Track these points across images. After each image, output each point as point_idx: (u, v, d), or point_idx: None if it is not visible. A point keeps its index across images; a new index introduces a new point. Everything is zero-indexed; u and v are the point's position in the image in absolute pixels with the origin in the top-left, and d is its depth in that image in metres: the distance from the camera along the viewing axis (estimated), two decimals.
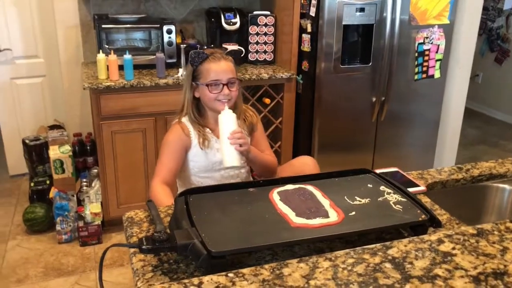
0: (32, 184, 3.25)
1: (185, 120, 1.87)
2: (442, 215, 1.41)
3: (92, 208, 2.97)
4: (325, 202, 1.29)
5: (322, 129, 3.11)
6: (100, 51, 2.85)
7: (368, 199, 1.32)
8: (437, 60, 3.17)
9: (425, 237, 0.99)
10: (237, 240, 1.12)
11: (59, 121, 3.62)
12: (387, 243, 0.97)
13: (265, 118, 3.23)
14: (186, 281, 0.91)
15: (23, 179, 3.77)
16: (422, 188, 1.56)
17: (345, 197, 1.33)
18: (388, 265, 0.90)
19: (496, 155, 4.58)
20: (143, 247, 1.07)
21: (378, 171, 1.67)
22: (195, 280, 0.91)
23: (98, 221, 2.96)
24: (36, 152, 3.33)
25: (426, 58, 3.13)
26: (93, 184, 3.07)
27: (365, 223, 1.20)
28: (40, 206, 3.08)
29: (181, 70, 2.98)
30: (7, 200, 3.52)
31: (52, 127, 3.55)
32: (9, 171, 3.82)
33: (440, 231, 1.15)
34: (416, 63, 3.11)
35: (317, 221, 1.19)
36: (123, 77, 2.82)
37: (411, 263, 0.90)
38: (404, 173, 1.67)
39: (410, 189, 1.53)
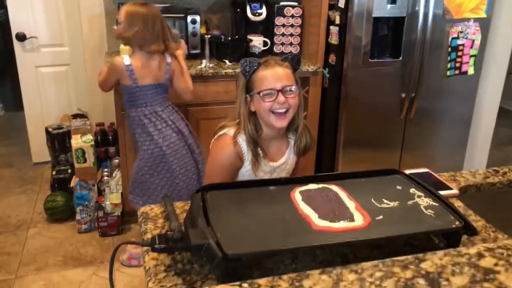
0: (54, 173, 3.25)
1: (240, 139, 1.67)
2: (477, 221, 1.31)
3: (112, 199, 2.94)
4: (351, 204, 1.21)
5: (348, 125, 3.01)
6: None
7: (397, 202, 1.23)
8: (471, 56, 3.03)
9: (463, 249, 0.90)
10: (254, 242, 1.05)
11: (83, 110, 3.62)
12: (420, 255, 0.89)
13: None
14: None
15: (45, 167, 3.78)
16: (454, 191, 1.46)
17: (372, 199, 1.24)
18: (421, 281, 0.81)
19: None
20: (156, 246, 1.02)
21: (407, 171, 1.58)
22: None
23: (118, 212, 2.94)
24: (58, 140, 3.33)
25: (459, 53, 2.99)
26: (114, 175, 3.04)
27: (393, 228, 1.11)
28: (61, 194, 3.08)
29: (204, 61, 2.92)
30: (30, 188, 3.54)
31: (75, 116, 3.54)
32: (32, 158, 3.84)
33: (477, 242, 1.06)
34: (449, 58, 2.98)
35: (342, 225, 1.11)
36: None
37: (447, 279, 0.81)
38: (435, 174, 1.57)
39: (442, 192, 1.43)
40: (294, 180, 1.35)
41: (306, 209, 1.18)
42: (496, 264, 0.85)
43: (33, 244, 2.87)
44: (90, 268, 2.68)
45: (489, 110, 3.40)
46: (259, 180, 1.35)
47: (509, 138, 4.74)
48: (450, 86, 3.08)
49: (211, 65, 2.92)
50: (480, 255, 0.88)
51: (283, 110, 1.61)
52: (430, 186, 1.45)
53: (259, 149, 1.67)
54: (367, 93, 2.96)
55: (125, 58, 2.34)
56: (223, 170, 1.68)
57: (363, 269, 0.84)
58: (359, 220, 1.14)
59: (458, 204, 1.40)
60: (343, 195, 1.26)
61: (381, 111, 3.02)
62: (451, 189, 1.47)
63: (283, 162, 1.74)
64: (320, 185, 1.31)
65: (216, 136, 1.74)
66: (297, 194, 1.25)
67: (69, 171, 3.26)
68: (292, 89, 1.62)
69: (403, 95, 2.97)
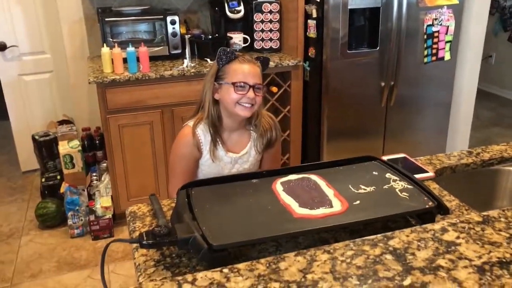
0: (43, 180, 3.27)
1: (199, 129, 1.73)
2: (451, 201, 1.37)
3: (103, 202, 2.98)
4: (329, 192, 1.27)
5: (330, 116, 3.07)
6: (104, 44, 2.84)
7: (373, 187, 1.29)
8: (447, 42, 3.10)
9: (428, 226, 0.96)
10: (238, 233, 1.10)
11: (68, 116, 3.63)
12: (389, 233, 0.95)
13: (273, 107, 3.20)
14: (179, 278, 0.89)
15: (34, 174, 3.80)
16: (430, 174, 1.52)
17: (350, 185, 1.30)
18: (388, 256, 0.87)
19: (510, 138, 4.49)
20: (144, 242, 1.06)
21: (385, 157, 1.64)
22: (189, 277, 0.90)
23: (109, 215, 2.97)
24: (46, 147, 3.35)
25: (435, 40, 3.06)
26: (102, 178, 3.08)
27: (369, 212, 1.17)
28: (52, 201, 3.10)
29: (186, 61, 2.96)
30: (20, 196, 3.55)
31: (62, 122, 3.56)
32: (21, 167, 3.86)
33: (446, 219, 1.12)
34: (425, 45, 3.05)
35: (320, 211, 1.17)
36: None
37: (413, 254, 0.87)
38: (412, 159, 1.63)
39: (418, 176, 1.49)
40: (275, 172, 1.40)
41: (287, 199, 1.23)
42: (458, 237, 0.92)
43: (26, 251, 2.89)
44: (84, 271, 2.71)
45: (468, 93, 3.47)
46: (242, 174, 1.40)
47: (489, 120, 4.84)
48: (428, 73, 3.15)
49: (192, 65, 2.95)
50: (443, 230, 0.94)
51: (248, 105, 1.68)
52: (406, 170, 1.51)
53: (218, 138, 1.74)
54: (347, 84, 3.02)
55: None
56: (182, 160, 1.75)
57: (335, 249, 0.90)
58: (337, 206, 1.20)
59: (433, 186, 1.46)
60: (322, 183, 1.31)
61: (362, 101, 3.08)
62: (427, 172, 1.53)
63: (244, 153, 1.79)
64: (301, 175, 1.36)
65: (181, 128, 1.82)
66: (278, 185, 1.31)
67: (58, 177, 3.29)
68: (260, 88, 1.70)
69: (383, 83, 3.04)
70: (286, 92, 3.18)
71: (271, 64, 3.00)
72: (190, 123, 1.77)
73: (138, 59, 2.82)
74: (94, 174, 3.21)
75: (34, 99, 3.67)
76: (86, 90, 3.40)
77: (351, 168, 1.42)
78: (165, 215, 1.31)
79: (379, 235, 0.94)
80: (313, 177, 1.35)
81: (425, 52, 3.06)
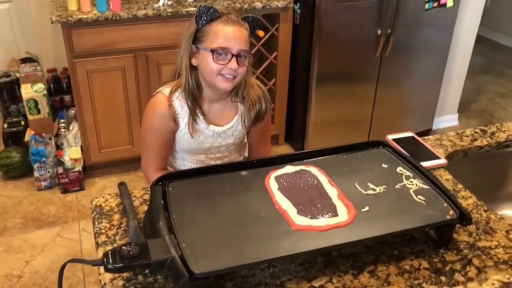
0: (5, 126, 3.00)
1: (175, 98, 1.47)
2: (467, 198, 1.20)
3: (72, 154, 2.75)
4: (333, 192, 1.07)
5: (320, 62, 2.81)
6: None
7: (384, 186, 1.10)
8: None
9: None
10: (226, 252, 0.91)
11: (32, 53, 3.29)
12: None
13: (258, 53, 2.93)
14: None
15: None
16: (442, 161, 1.34)
17: (356, 184, 1.11)
18: None
19: (502, 86, 4.34)
20: (109, 266, 0.86)
21: (390, 136, 1.44)
22: None
23: (78, 167, 2.75)
24: (7, 90, 3.03)
25: None
26: (71, 127, 2.82)
27: (381, 223, 0.99)
28: (16, 150, 2.85)
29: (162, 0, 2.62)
30: None
31: (24, 61, 3.22)
32: None
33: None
34: None
35: (324, 222, 0.98)
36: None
37: None
38: (420, 140, 1.44)
39: (430, 163, 1.32)
40: (268, 161, 1.19)
41: (283, 202, 1.04)
42: None
43: None
44: (53, 229, 2.53)
45: (466, 41, 3.26)
46: (228, 164, 1.18)
47: (481, 67, 4.65)
48: (428, 20, 2.89)
49: (170, 3, 2.62)
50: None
51: (230, 76, 1.41)
52: (418, 154, 1.33)
53: (197, 109, 1.48)
54: (341, 30, 2.74)
55: None
56: (156, 134, 1.50)
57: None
58: (343, 214, 1.01)
59: (446, 177, 1.28)
60: (323, 179, 1.12)
61: (356, 48, 2.82)
62: (438, 158, 1.34)
63: (229, 127, 1.54)
64: (298, 168, 1.16)
65: (153, 94, 1.54)
66: (272, 181, 1.11)
67: (23, 123, 3.01)
68: (246, 56, 1.41)
69: (379, 31, 2.77)
70: (273, 37, 2.90)
71: (258, 4, 2.70)
72: (166, 90, 1.48)
73: None
74: (62, 120, 2.94)
75: None
76: (50, 26, 3.02)
77: (357, 157, 1.22)
78: (136, 213, 1.10)
79: None
80: (313, 170, 1.15)
81: None
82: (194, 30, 1.41)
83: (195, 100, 1.46)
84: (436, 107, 3.33)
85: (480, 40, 5.22)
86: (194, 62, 1.43)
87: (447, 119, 3.55)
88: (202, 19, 1.38)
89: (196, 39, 1.41)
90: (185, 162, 1.60)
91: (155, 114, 1.48)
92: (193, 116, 1.46)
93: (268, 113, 1.58)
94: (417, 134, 1.50)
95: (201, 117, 1.49)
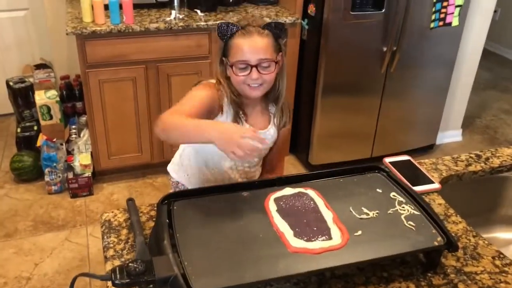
0: (18, 130, 3.09)
1: (224, 100, 1.50)
2: (458, 223, 1.26)
3: (82, 159, 2.83)
4: (328, 216, 1.14)
5: (327, 77, 2.87)
6: None
7: (377, 211, 1.16)
8: (456, 6, 2.87)
9: None
10: (225, 271, 0.97)
11: (46, 60, 3.38)
12: None
13: None
14: None
15: (11, 119, 3.59)
16: (436, 185, 1.40)
17: (351, 208, 1.17)
18: None
19: (506, 102, 4.38)
20: (116, 281, 0.94)
21: (388, 159, 1.51)
22: None
23: (88, 173, 2.83)
24: (21, 96, 3.13)
25: (445, 3, 2.83)
26: (82, 134, 2.91)
27: (372, 247, 1.05)
28: (28, 154, 2.94)
29: (174, 12, 2.70)
30: None
31: (39, 67, 3.32)
32: None
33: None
34: (433, 9, 2.82)
35: (318, 245, 1.05)
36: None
37: None
38: (417, 164, 1.50)
39: (424, 187, 1.38)
40: (268, 182, 1.26)
41: (281, 224, 1.10)
42: None
43: (1, 207, 2.77)
44: (62, 232, 2.61)
45: (472, 59, 3.30)
46: (230, 185, 1.25)
47: (487, 82, 4.69)
48: (433, 38, 2.94)
49: (181, 16, 2.70)
50: None
51: (256, 85, 1.47)
52: (413, 178, 1.40)
53: (241, 112, 1.53)
54: (347, 47, 2.81)
55: None
56: (199, 100, 1.46)
57: None
58: (336, 237, 1.07)
59: (439, 201, 1.34)
60: (320, 202, 1.18)
61: (361, 64, 2.89)
62: (432, 182, 1.40)
63: (267, 130, 1.59)
64: (296, 190, 1.22)
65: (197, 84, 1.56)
66: (271, 203, 1.17)
67: (35, 127, 3.10)
68: (269, 64, 1.44)
69: (384, 49, 2.83)
70: None
71: (266, 19, 2.76)
72: (212, 80, 1.53)
73: (120, 6, 2.57)
74: (73, 127, 3.03)
75: (8, 39, 3.39)
76: (64, 34, 3.12)
77: (352, 181, 1.29)
78: (143, 229, 1.18)
79: None
80: (311, 192, 1.21)
81: (433, 17, 2.84)
82: (222, 44, 1.48)
83: (237, 105, 1.51)
84: (440, 122, 3.38)
85: (487, 55, 5.27)
86: (228, 73, 1.49)
87: (451, 134, 3.59)
88: (224, 36, 1.45)
89: (224, 53, 1.48)
90: (201, 175, 1.63)
91: (206, 88, 1.50)
92: (236, 119, 1.50)
93: (290, 118, 1.63)
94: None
95: (244, 120, 1.53)
